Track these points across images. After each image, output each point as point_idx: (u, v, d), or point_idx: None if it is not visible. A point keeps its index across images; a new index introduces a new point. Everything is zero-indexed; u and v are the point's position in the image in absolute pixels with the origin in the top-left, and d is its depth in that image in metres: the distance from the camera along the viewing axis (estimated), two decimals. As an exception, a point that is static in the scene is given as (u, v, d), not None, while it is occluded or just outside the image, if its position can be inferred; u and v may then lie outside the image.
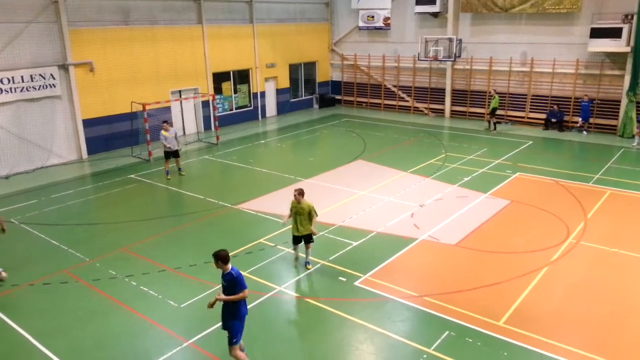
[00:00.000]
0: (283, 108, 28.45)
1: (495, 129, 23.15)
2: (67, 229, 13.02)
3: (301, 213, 10.09)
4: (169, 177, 16.89)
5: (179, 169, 17.29)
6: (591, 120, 22.56)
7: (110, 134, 20.47)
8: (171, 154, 16.80)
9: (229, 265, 7.16)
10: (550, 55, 23.08)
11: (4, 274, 10.30)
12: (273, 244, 11.78)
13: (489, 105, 23.69)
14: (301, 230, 10.22)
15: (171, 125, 17.18)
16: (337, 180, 16.36)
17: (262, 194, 15.27)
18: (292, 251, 10.94)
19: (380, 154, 19.51)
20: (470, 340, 8.21)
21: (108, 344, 8.33)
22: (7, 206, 14.58)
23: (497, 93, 23.63)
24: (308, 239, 10.43)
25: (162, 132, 16.58)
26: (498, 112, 23.62)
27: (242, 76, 25.99)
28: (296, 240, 10.52)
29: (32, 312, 9.31)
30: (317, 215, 10.30)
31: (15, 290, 10.05)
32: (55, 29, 18.27)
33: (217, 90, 24.64)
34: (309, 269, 10.52)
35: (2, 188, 16.33)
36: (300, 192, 10.12)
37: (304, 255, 10.73)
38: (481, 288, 9.79)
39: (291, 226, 10.52)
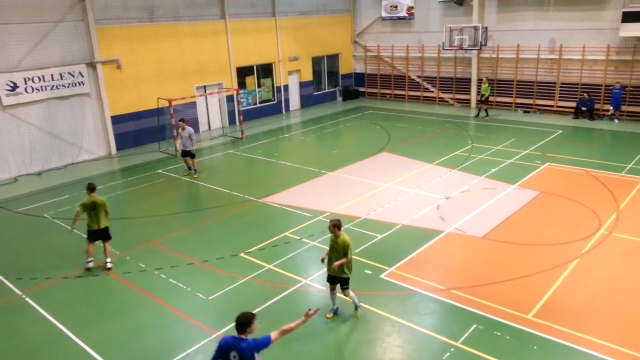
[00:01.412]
0: (306, 101, 28.45)
1: (478, 114, 23.83)
2: (98, 223, 13.31)
3: (336, 249, 8.28)
4: (186, 174, 16.83)
5: (195, 170, 16.73)
6: (623, 108, 21.90)
7: (138, 130, 20.83)
8: (187, 154, 16.61)
9: (244, 333, 5.69)
10: (580, 41, 22.44)
11: (90, 265, 10.70)
12: (298, 237, 11.84)
13: (479, 92, 23.92)
14: (335, 270, 8.36)
15: (188, 125, 16.71)
16: (361, 173, 16.31)
17: (287, 187, 15.34)
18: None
19: (404, 146, 19.35)
20: (499, 333, 8.11)
21: (140, 335, 8.54)
22: (40, 202, 15.02)
23: (489, 80, 24.03)
24: (343, 282, 8.47)
25: (179, 130, 16.67)
26: (479, 98, 23.99)
27: (266, 70, 26.08)
28: (329, 279, 8.67)
29: (66, 305, 9.58)
30: (351, 254, 8.30)
31: (50, 283, 10.37)
32: (83, 27, 18.64)
33: (241, 84, 24.78)
34: (357, 317, 8.69)
35: (35, 184, 16.82)
36: (335, 225, 8.22)
37: (349, 300, 8.69)
38: (509, 281, 9.66)
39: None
